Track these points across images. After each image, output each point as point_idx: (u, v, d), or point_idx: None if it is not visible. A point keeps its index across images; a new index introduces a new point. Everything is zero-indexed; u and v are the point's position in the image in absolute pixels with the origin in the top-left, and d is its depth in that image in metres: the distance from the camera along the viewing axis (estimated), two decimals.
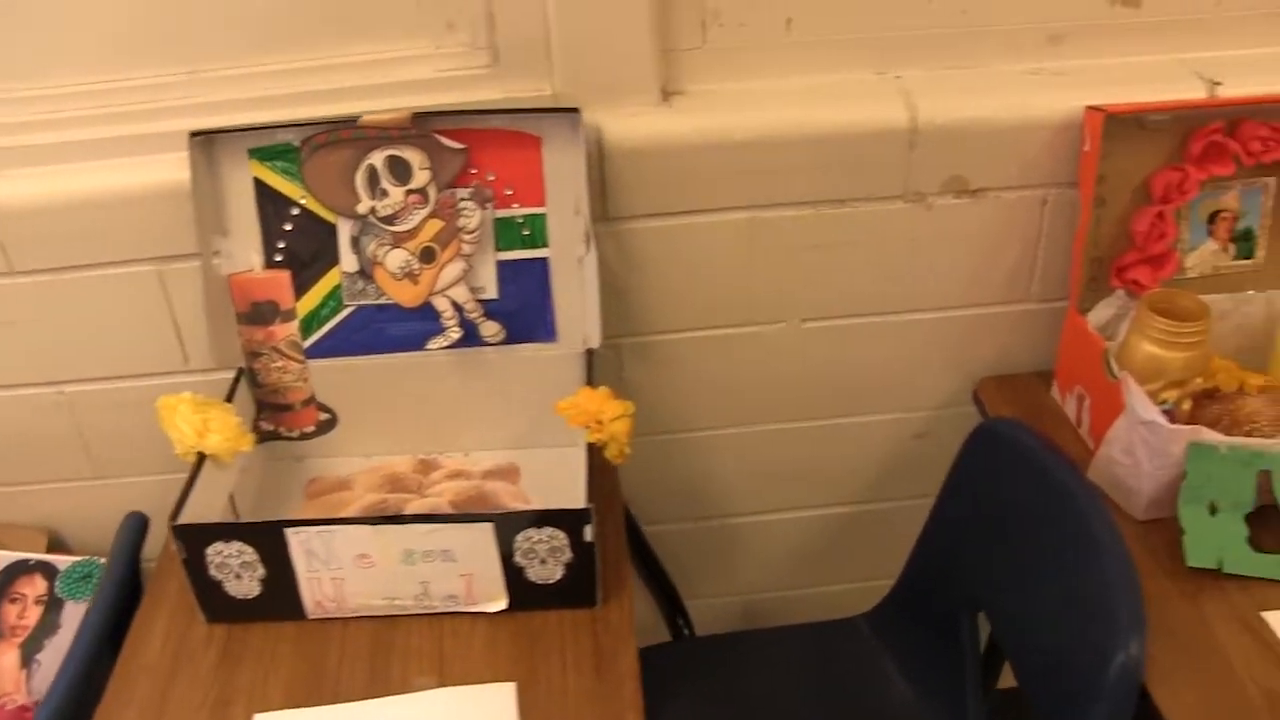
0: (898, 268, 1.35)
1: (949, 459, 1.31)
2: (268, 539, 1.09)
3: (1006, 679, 1.32)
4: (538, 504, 1.25)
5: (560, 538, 1.08)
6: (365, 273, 1.25)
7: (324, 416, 1.32)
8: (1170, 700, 1.02)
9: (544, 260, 1.25)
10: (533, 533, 1.08)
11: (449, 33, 1.21)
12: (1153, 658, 1.04)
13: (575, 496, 1.08)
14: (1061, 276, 1.36)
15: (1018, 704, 1.20)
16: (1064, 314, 1.34)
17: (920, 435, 1.50)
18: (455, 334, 1.26)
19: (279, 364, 1.28)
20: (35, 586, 1.33)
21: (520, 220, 1.24)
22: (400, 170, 1.21)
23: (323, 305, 1.26)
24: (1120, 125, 1.23)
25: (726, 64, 1.27)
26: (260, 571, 1.11)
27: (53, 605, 1.32)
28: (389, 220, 1.22)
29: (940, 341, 1.42)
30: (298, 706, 1.07)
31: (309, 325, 1.27)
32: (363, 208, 1.22)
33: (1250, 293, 1.32)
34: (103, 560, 1.31)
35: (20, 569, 1.35)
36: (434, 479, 1.30)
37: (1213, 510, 1.14)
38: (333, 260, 1.24)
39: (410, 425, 1.32)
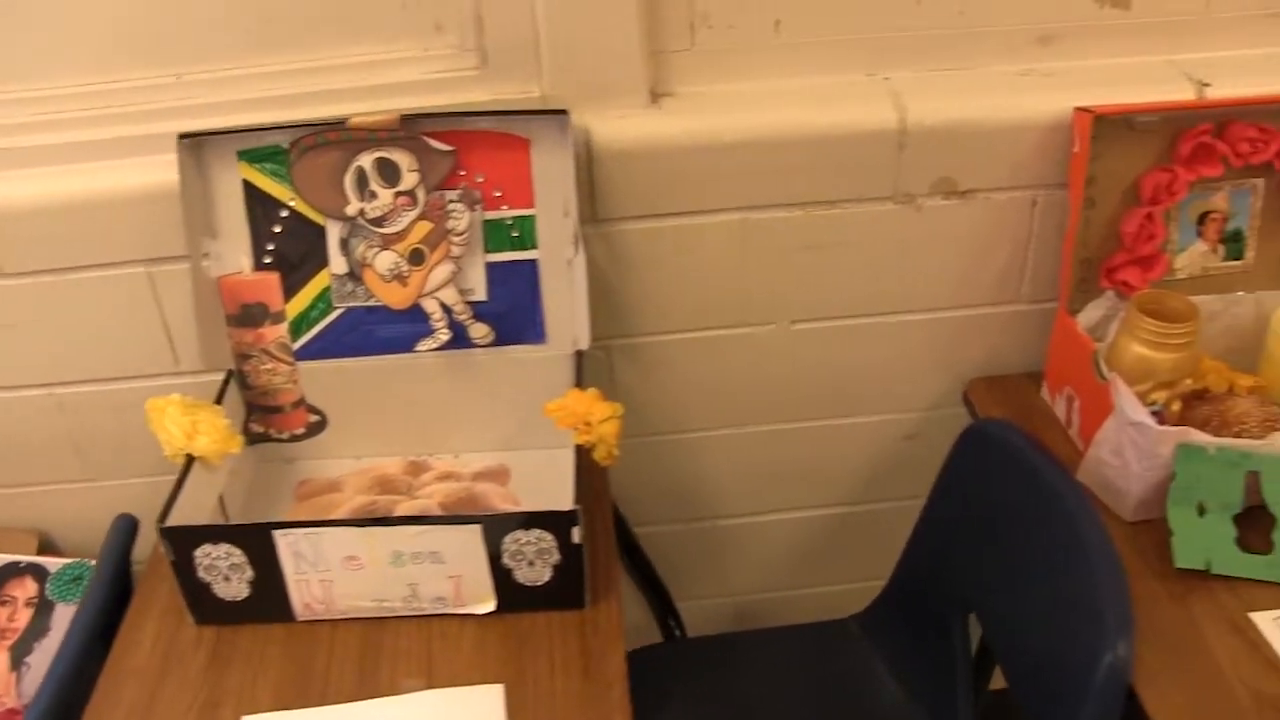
0: (888, 269, 1.35)
1: (940, 460, 1.31)
2: (256, 541, 1.09)
3: (1000, 680, 1.32)
4: (527, 506, 1.25)
5: (548, 539, 1.08)
6: (354, 275, 1.25)
7: (314, 418, 1.32)
8: (1158, 701, 1.02)
9: (533, 262, 1.25)
10: (521, 534, 1.08)
11: (437, 35, 1.21)
12: (1141, 659, 1.04)
13: (564, 498, 1.08)
14: (1051, 277, 1.36)
15: (1010, 705, 1.20)
16: (1054, 315, 1.35)
17: (911, 436, 1.50)
18: (444, 336, 1.26)
19: (269, 366, 1.28)
20: (26, 589, 1.33)
21: (509, 222, 1.24)
22: (389, 172, 1.21)
23: (312, 307, 1.26)
24: (1109, 126, 1.23)
25: (715, 66, 1.27)
26: (249, 573, 1.11)
27: (43, 608, 1.32)
28: (378, 222, 1.22)
29: (930, 342, 1.42)
30: (286, 708, 1.07)
31: (298, 327, 1.27)
32: (351, 210, 1.22)
33: (1240, 294, 1.32)
34: (93, 562, 1.31)
35: (10, 571, 1.35)
36: (424, 481, 1.30)
37: (1201, 511, 1.14)
38: (322, 262, 1.24)
39: (400, 427, 1.32)
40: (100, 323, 1.30)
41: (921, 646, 1.37)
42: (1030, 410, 1.38)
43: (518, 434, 1.31)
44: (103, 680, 1.10)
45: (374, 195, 1.21)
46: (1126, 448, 1.17)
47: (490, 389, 1.30)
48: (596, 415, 1.15)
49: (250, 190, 1.22)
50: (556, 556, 1.09)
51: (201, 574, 1.11)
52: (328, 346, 1.27)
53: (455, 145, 1.20)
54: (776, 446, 1.49)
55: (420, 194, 1.22)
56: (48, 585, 1.33)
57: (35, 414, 1.36)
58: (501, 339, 1.27)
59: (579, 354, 1.26)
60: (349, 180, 1.21)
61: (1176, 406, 1.23)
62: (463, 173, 1.21)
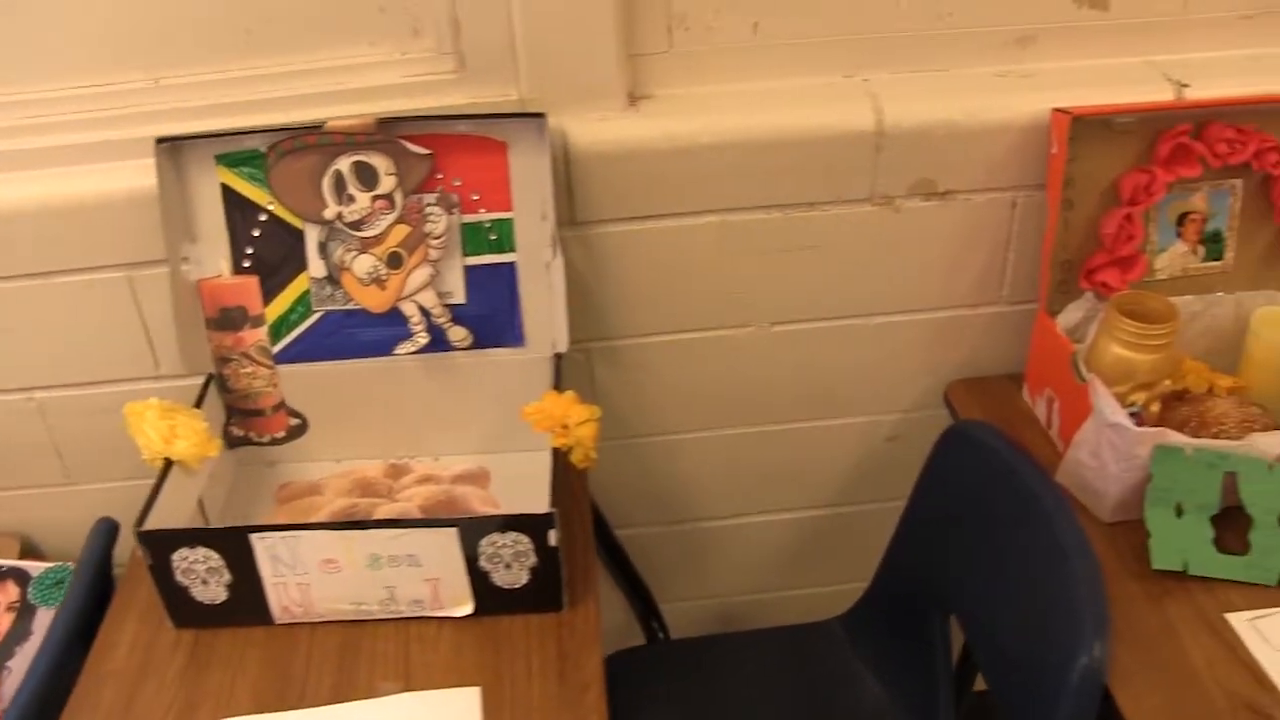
0: (867, 271, 1.35)
1: (921, 462, 1.31)
2: (233, 544, 1.09)
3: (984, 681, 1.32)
4: (507, 508, 1.25)
5: (525, 542, 1.08)
6: (333, 278, 1.25)
7: (294, 422, 1.32)
8: (1132, 703, 1.02)
9: (511, 265, 1.25)
10: (497, 537, 1.08)
11: (414, 38, 1.21)
12: (1117, 660, 1.04)
13: (543, 501, 1.08)
14: (1032, 279, 1.36)
15: (992, 706, 1.20)
16: (1034, 316, 1.35)
17: (892, 438, 1.50)
18: (423, 339, 1.26)
19: (248, 369, 1.28)
20: (7, 593, 1.33)
21: (487, 225, 1.24)
22: (366, 176, 1.21)
23: (291, 311, 1.26)
24: (1087, 127, 1.23)
25: (693, 68, 1.27)
26: (226, 577, 1.11)
27: (25, 612, 1.32)
28: (356, 226, 1.23)
29: (911, 344, 1.42)
30: (264, 711, 1.07)
31: (278, 330, 1.27)
32: (329, 213, 1.22)
33: (1219, 294, 1.32)
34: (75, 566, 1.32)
35: None
36: (404, 484, 1.31)
37: (1179, 512, 1.14)
38: (300, 266, 1.25)
39: (380, 430, 1.32)
40: (81, 327, 1.30)
41: (904, 648, 1.38)
42: (1011, 412, 1.38)
43: (498, 437, 1.31)
44: (81, 683, 1.11)
45: (352, 199, 1.21)
46: (1104, 449, 1.17)
47: (470, 392, 1.30)
48: (574, 418, 1.16)
49: (229, 194, 1.22)
50: (533, 559, 1.09)
51: (179, 577, 1.11)
52: (307, 350, 1.28)
53: (433, 149, 1.20)
54: (757, 448, 1.49)
55: (398, 197, 1.22)
56: (29, 589, 1.33)
57: (16, 418, 1.36)
58: (480, 342, 1.28)
59: (558, 357, 1.26)
60: (327, 184, 1.21)
61: (1155, 407, 1.23)
62: (440, 176, 1.22)
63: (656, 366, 1.40)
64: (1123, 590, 1.12)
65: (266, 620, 1.14)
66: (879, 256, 1.34)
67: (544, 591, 1.12)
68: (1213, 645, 1.06)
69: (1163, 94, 1.28)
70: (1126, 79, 1.29)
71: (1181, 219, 1.30)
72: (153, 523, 1.10)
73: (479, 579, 1.11)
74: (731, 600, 1.67)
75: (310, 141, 1.19)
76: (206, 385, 1.27)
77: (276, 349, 1.28)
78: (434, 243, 1.23)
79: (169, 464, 1.16)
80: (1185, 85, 1.28)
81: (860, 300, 1.38)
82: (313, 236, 1.24)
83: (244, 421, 1.31)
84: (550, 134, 1.19)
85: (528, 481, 1.16)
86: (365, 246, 1.23)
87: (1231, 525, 1.14)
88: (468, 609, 1.13)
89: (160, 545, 1.09)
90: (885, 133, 1.26)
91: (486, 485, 1.30)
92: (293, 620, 1.14)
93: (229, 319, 1.26)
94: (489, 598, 1.12)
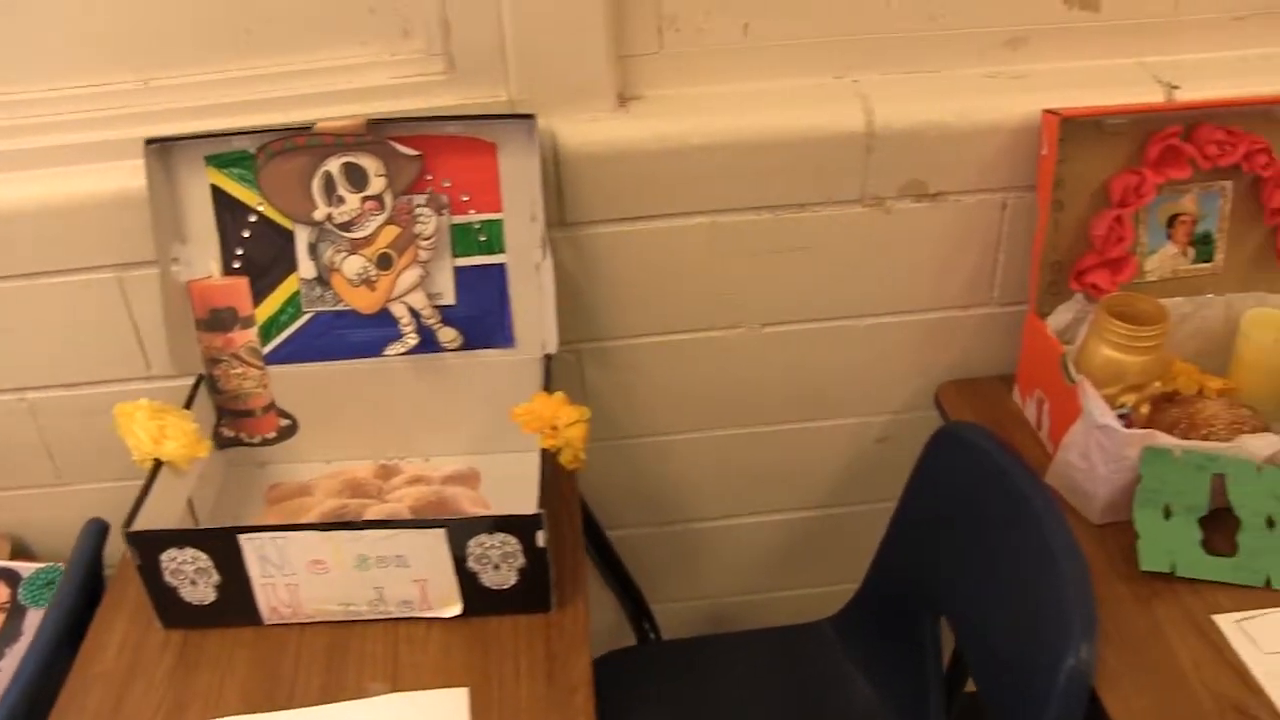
0: (857, 272, 1.35)
1: (912, 463, 1.31)
2: (221, 545, 1.09)
3: None
4: (497, 509, 1.25)
5: (513, 543, 1.08)
6: (323, 279, 1.25)
7: (285, 422, 1.32)
8: (1120, 705, 1.02)
9: (501, 266, 1.25)
10: (485, 538, 1.08)
11: (404, 39, 1.21)
12: (1104, 662, 1.04)
13: (532, 502, 1.08)
14: (1022, 280, 1.36)
15: (984, 708, 1.20)
16: (1025, 318, 1.35)
17: (883, 439, 1.50)
18: (412, 340, 1.26)
19: (239, 370, 1.28)
20: None
21: (477, 226, 1.24)
22: (356, 177, 1.21)
23: (281, 312, 1.26)
24: (1077, 129, 1.23)
25: (684, 69, 1.27)
26: (215, 578, 1.11)
27: (15, 612, 1.32)
28: (346, 227, 1.23)
29: (901, 345, 1.42)
30: (253, 712, 1.07)
31: (268, 331, 1.27)
32: (319, 214, 1.22)
33: (1210, 296, 1.32)
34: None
35: None
36: (394, 484, 1.31)
37: (1167, 514, 1.14)
38: (290, 267, 1.25)
39: (371, 431, 1.32)
40: (72, 328, 1.30)
41: (894, 649, 1.38)
42: (1002, 413, 1.38)
43: (488, 437, 1.31)
44: (69, 682, 1.11)
45: (341, 200, 1.21)
46: (1093, 451, 1.17)
47: (460, 393, 1.30)
48: (563, 419, 1.16)
49: (219, 195, 1.22)
50: (521, 560, 1.09)
51: (168, 578, 1.11)
52: (297, 351, 1.28)
53: (422, 150, 1.20)
54: (748, 449, 1.49)
55: (387, 199, 1.22)
56: (20, 590, 1.33)
57: (7, 418, 1.36)
58: (470, 343, 1.27)
59: (548, 358, 1.26)
60: (316, 185, 1.21)
61: (1145, 409, 1.23)
62: (430, 177, 1.22)
63: (647, 367, 1.40)
64: (1111, 592, 1.12)
65: (255, 621, 1.14)
66: (870, 258, 1.34)
67: (532, 592, 1.12)
68: (1200, 647, 1.06)
69: (1153, 95, 1.28)
70: (1117, 80, 1.29)
71: (1172, 221, 1.30)
72: (141, 523, 1.10)
73: (467, 580, 1.11)
74: (723, 601, 1.68)
75: (300, 143, 1.19)
76: (197, 386, 1.27)
77: (267, 350, 1.28)
78: (423, 244, 1.23)
79: (158, 465, 1.16)
80: (1175, 87, 1.28)
81: (851, 301, 1.38)
82: (303, 237, 1.24)
83: (234, 422, 1.31)
84: (540, 135, 1.19)
85: (518, 482, 1.16)
86: (355, 248, 1.23)
87: (1220, 527, 1.14)
88: (456, 610, 1.13)
89: (148, 546, 1.09)
90: (876, 134, 1.26)
91: (477, 486, 1.30)
92: (281, 621, 1.14)
93: (219, 320, 1.26)
94: (477, 598, 1.12)
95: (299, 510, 1.28)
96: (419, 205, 1.22)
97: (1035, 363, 1.33)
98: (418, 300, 1.25)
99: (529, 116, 1.18)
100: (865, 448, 1.51)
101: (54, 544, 1.44)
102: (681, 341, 1.38)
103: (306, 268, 1.25)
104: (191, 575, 1.11)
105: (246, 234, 1.23)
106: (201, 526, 1.24)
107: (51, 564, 1.35)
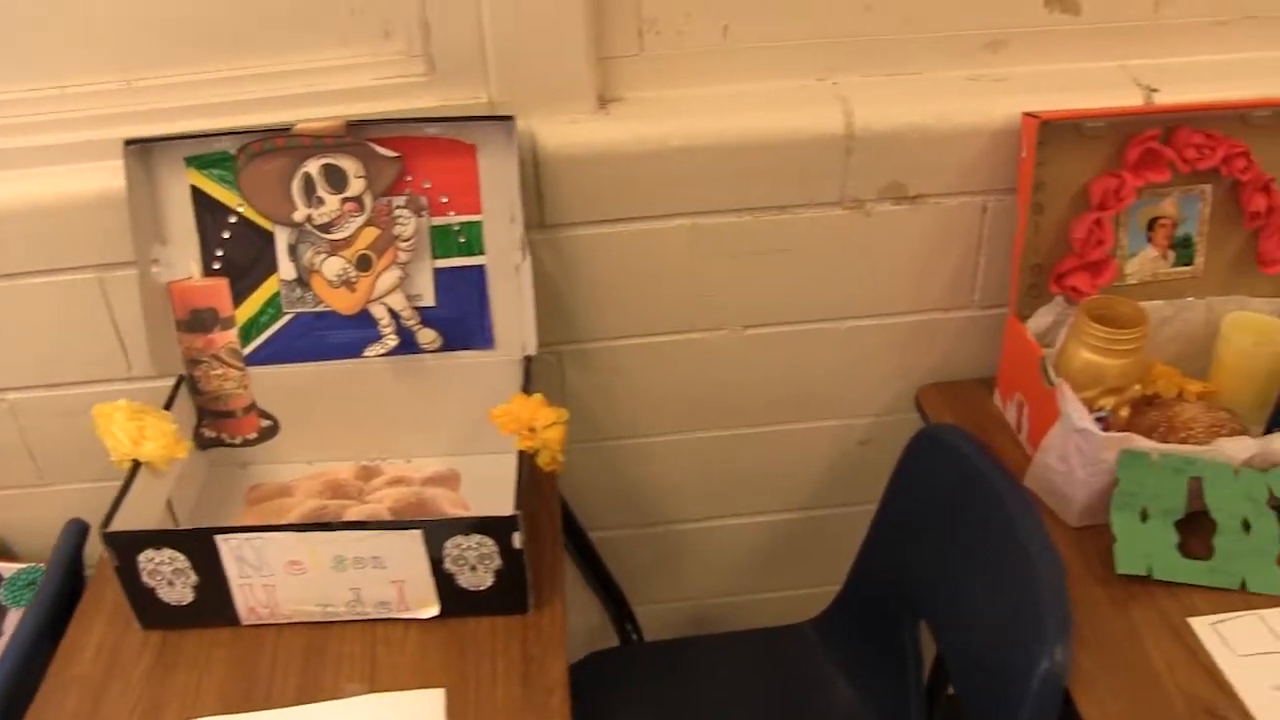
0: (838, 274, 1.36)
1: (893, 465, 1.31)
2: (199, 546, 1.09)
3: None
4: (477, 510, 1.25)
5: (489, 545, 1.08)
6: (303, 280, 1.25)
7: (265, 423, 1.32)
8: (1093, 708, 1.02)
9: (480, 268, 1.25)
10: (462, 540, 1.08)
11: (385, 41, 1.22)
12: (1079, 664, 1.04)
13: (509, 503, 1.08)
14: (1003, 283, 1.36)
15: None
16: (1005, 320, 1.35)
17: (864, 442, 1.50)
18: (392, 341, 1.26)
19: (219, 371, 1.28)
20: None
21: (456, 228, 1.24)
22: (336, 178, 1.21)
23: (261, 313, 1.26)
24: (1057, 131, 1.23)
25: (664, 71, 1.27)
26: (193, 578, 1.11)
27: None
28: (325, 228, 1.23)
29: (882, 348, 1.42)
30: (230, 712, 1.07)
31: (248, 333, 1.27)
32: (299, 216, 1.22)
33: (1190, 299, 1.33)
34: None
35: None
36: (375, 485, 1.31)
37: (1144, 517, 1.14)
38: (270, 268, 1.25)
39: (351, 432, 1.32)
40: (52, 328, 1.30)
41: (875, 651, 1.38)
42: (982, 416, 1.38)
43: (469, 439, 1.32)
44: (47, 682, 1.11)
45: (321, 201, 1.22)
46: (1071, 454, 1.17)
47: (440, 394, 1.30)
48: (540, 421, 1.16)
49: (199, 196, 1.22)
50: (498, 562, 1.09)
51: (145, 579, 1.11)
52: (278, 352, 1.28)
53: (402, 151, 1.20)
54: (730, 451, 1.49)
55: (367, 200, 1.22)
56: (1, 590, 1.33)
57: None
58: (450, 344, 1.28)
59: (527, 359, 1.26)
60: (296, 186, 1.21)
61: (1124, 412, 1.23)
62: (409, 179, 1.22)
63: (628, 369, 1.40)
64: (1087, 594, 1.12)
65: (233, 621, 1.14)
66: (850, 260, 1.35)
67: (509, 594, 1.12)
68: (1174, 649, 1.06)
69: (1132, 99, 1.28)
70: (1097, 83, 1.29)
71: (1151, 224, 1.31)
72: (119, 524, 1.10)
73: (444, 581, 1.11)
74: (705, 603, 1.68)
75: (279, 144, 1.19)
76: (177, 387, 1.27)
77: (247, 351, 1.28)
78: (403, 245, 1.23)
79: (136, 466, 1.16)
80: (1155, 90, 1.28)
81: (832, 304, 1.38)
82: (282, 239, 1.24)
83: (215, 423, 1.31)
84: (520, 137, 1.19)
85: (499, 484, 1.16)
86: (334, 249, 1.23)
87: (1196, 530, 1.14)
88: (433, 611, 1.13)
89: (126, 546, 1.09)
90: (856, 136, 1.26)
91: (457, 487, 1.31)
92: (259, 621, 1.14)
93: (199, 321, 1.26)
94: (454, 600, 1.12)
95: (279, 511, 1.28)
96: (398, 207, 1.22)
97: (1015, 366, 1.33)
98: (397, 301, 1.25)
99: (508, 118, 1.18)
100: (847, 450, 1.51)
101: (36, 544, 1.44)
102: (662, 343, 1.38)
103: (286, 269, 1.25)
104: (169, 576, 1.11)
105: (227, 235, 1.23)
106: (180, 527, 1.24)
107: (33, 564, 1.35)
